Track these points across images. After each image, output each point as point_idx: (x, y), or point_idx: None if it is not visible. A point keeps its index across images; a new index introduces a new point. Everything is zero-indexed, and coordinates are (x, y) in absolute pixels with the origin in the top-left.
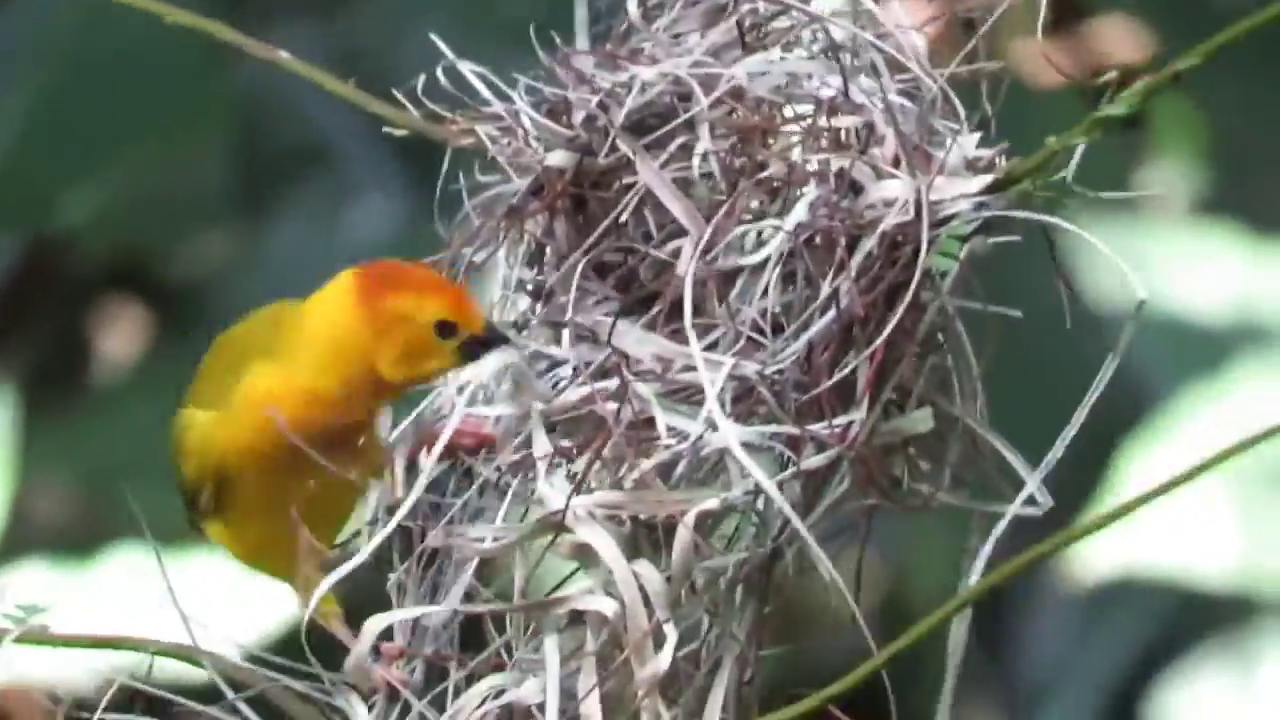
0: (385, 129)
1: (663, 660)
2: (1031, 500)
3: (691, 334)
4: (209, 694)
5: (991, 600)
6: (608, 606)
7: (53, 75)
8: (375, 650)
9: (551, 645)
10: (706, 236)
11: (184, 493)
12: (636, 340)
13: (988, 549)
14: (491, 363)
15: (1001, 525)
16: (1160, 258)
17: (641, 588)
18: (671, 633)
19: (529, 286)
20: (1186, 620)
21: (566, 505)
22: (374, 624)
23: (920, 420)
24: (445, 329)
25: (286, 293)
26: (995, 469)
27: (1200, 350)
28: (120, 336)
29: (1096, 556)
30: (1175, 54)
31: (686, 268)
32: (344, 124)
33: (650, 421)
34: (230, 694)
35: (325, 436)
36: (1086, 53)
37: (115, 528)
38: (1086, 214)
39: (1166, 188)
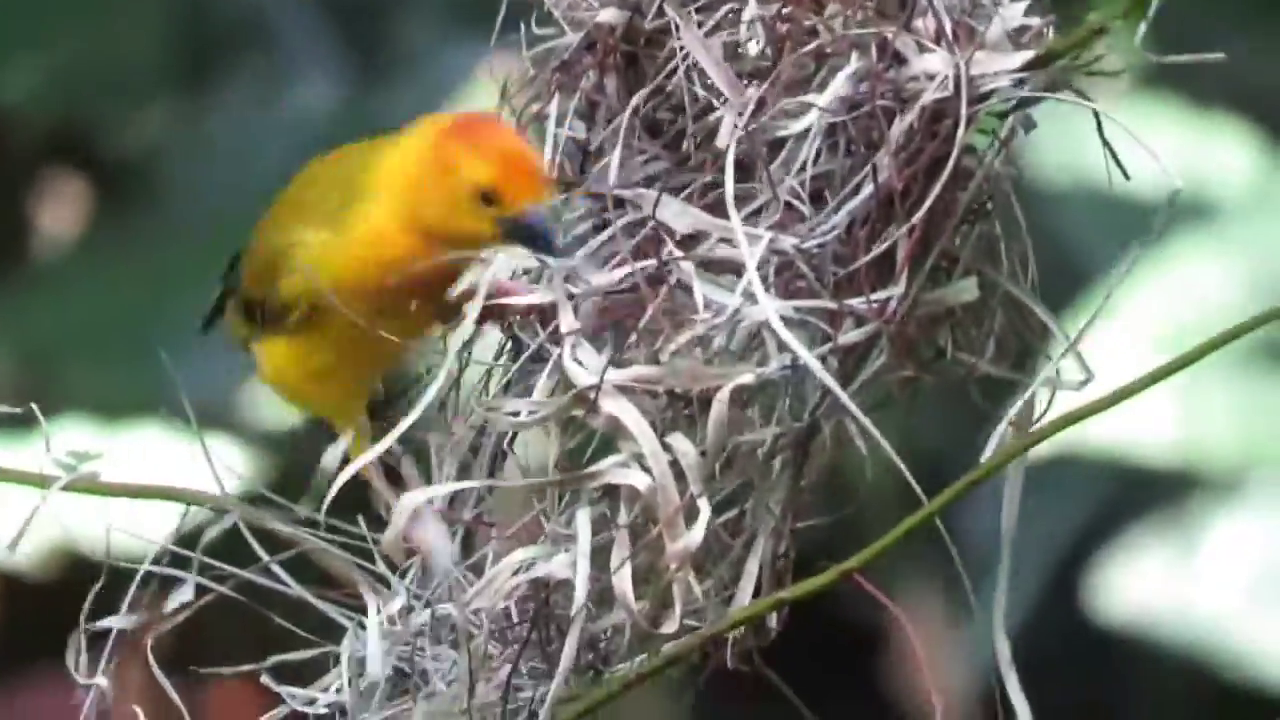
0: None
1: (695, 535)
2: (1071, 372)
3: (732, 210)
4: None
5: (933, 477)
6: (640, 480)
7: None
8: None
9: (584, 519)
10: (750, 108)
11: (258, 304)
12: (676, 213)
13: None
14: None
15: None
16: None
17: (675, 461)
18: (705, 507)
19: (578, 143)
20: (1127, 495)
21: (600, 380)
22: (409, 500)
23: (965, 289)
24: (486, 197)
25: (228, 168)
26: (1037, 340)
27: (1140, 225)
28: (60, 211)
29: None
30: None
31: (728, 139)
32: None
33: (688, 295)
34: (264, 554)
35: (424, 281)
36: None
37: (57, 402)
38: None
39: (1107, 59)
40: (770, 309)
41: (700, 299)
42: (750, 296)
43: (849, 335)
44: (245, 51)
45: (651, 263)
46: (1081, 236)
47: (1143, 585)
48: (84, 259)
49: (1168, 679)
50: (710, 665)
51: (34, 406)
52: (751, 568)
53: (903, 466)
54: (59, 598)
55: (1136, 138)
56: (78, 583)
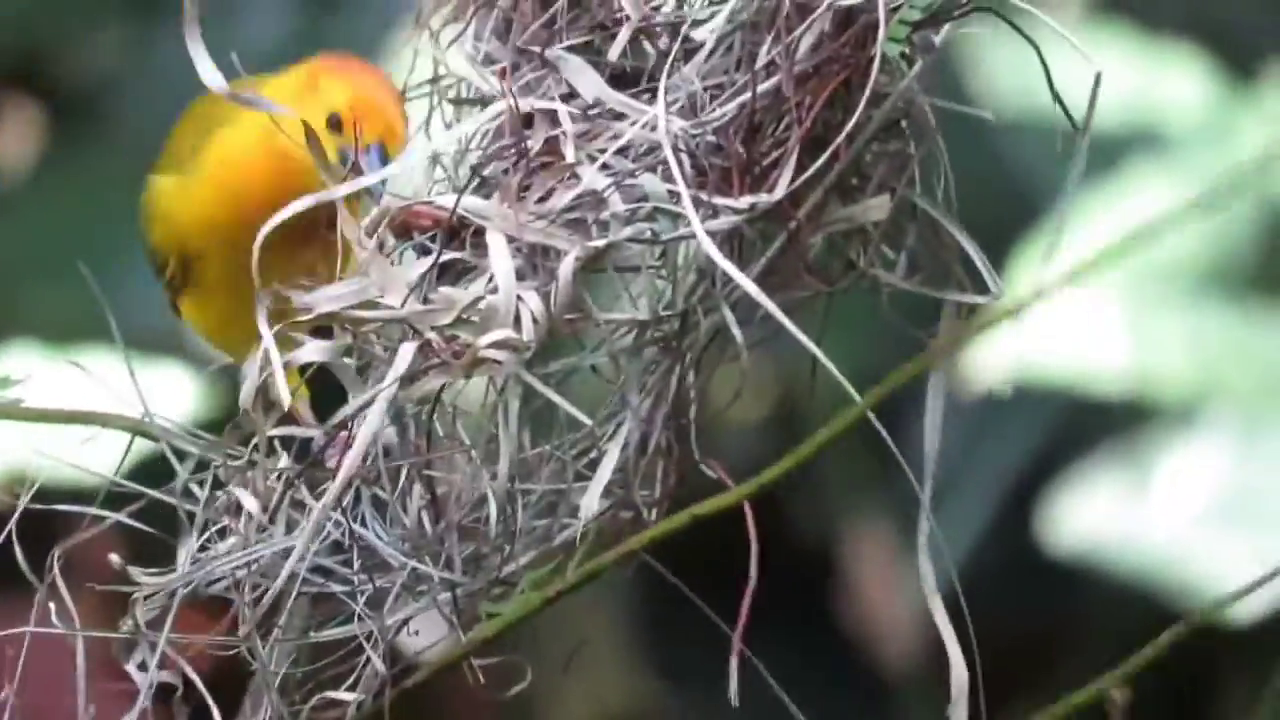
0: None
1: (500, 334)
2: (985, 289)
3: (661, 95)
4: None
5: (884, 406)
6: (496, 301)
7: None
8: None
9: (406, 350)
10: (641, 18)
11: (152, 265)
12: (584, 77)
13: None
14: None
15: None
16: (1051, 59)
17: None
18: (529, 334)
19: (494, 62)
20: (1079, 425)
21: (456, 205)
22: (266, 344)
23: (875, 207)
24: (334, 121)
25: (182, 94)
26: (953, 259)
27: (1092, 153)
28: (13, 138)
29: (988, 362)
30: None
31: (615, 50)
32: None
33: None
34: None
35: (285, 233)
36: None
37: (7, 326)
38: (978, 17)
39: None
40: (655, 182)
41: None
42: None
43: (714, 223)
44: None
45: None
46: (1033, 164)
47: (1094, 514)
48: (36, 185)
49: (1118, 607)
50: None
51: None
52: (611, 455)
53: (831, 366)
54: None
55: (1073, 42)
56: (33, 513)
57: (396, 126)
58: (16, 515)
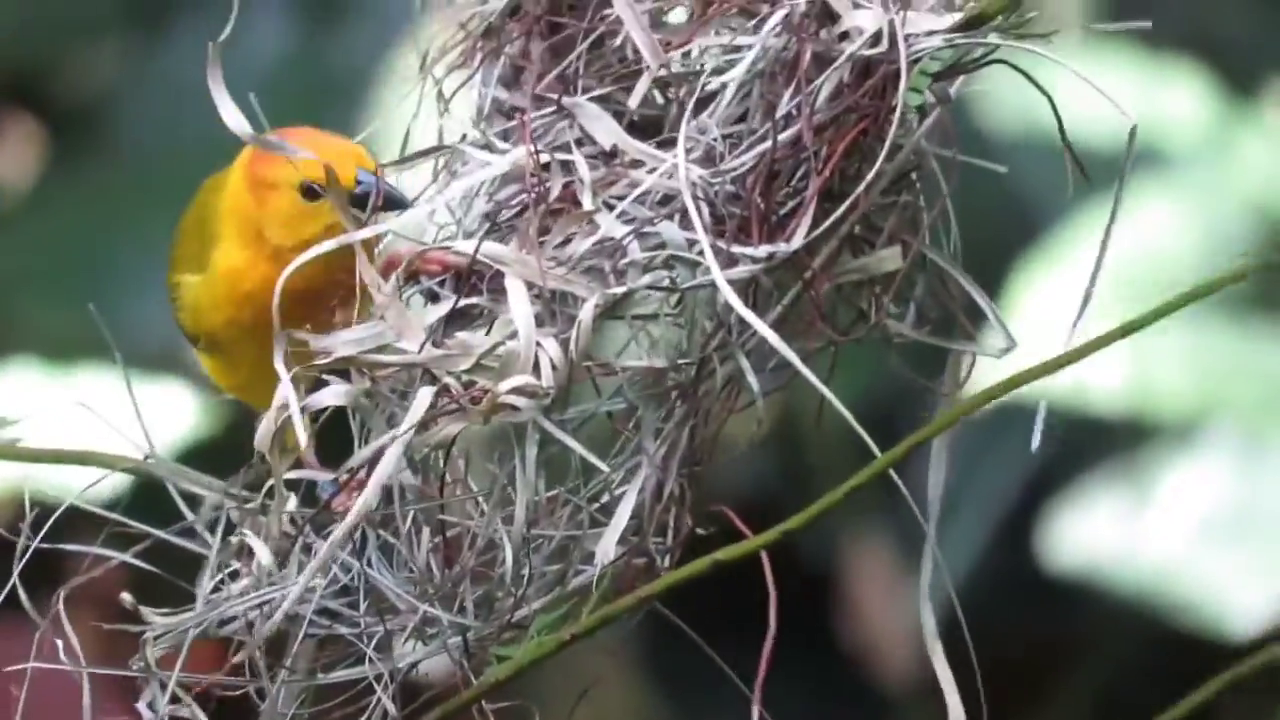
0: None
1: (519, 380)
2: (995, 340)
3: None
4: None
5: (884, 426)
6: (515, 346)
7: None
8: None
9: (425, 395)
10: (660, 66)
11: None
12: (600, 124)
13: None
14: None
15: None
16: (1054, 78)
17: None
18: (549, 380)
19: (504, 108)
20: (1079, 443)
21: (476, 250)
22: (285, 386)
23: (887, 259)
24: (309, 192)
25: (181, 110)
26: (961, 308)
27: (1092, 170)
28: (12, 154)
29: (987, 381)
30: None
31: (635, 98)
32: None
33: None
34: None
35: (303, 297)
36: None
37: (9, 344)
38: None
39: (1058, 7)
40: (674, 229)
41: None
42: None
43: (733, 271)
44: None
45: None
46: (1035, 186)
47: (1094, 531)
48: (36, 201)
49: (1119, 624)
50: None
51: None
52: (627, 501)
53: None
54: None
55: (1087, 80)
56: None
57: (362, 157)
58: (23, 552)
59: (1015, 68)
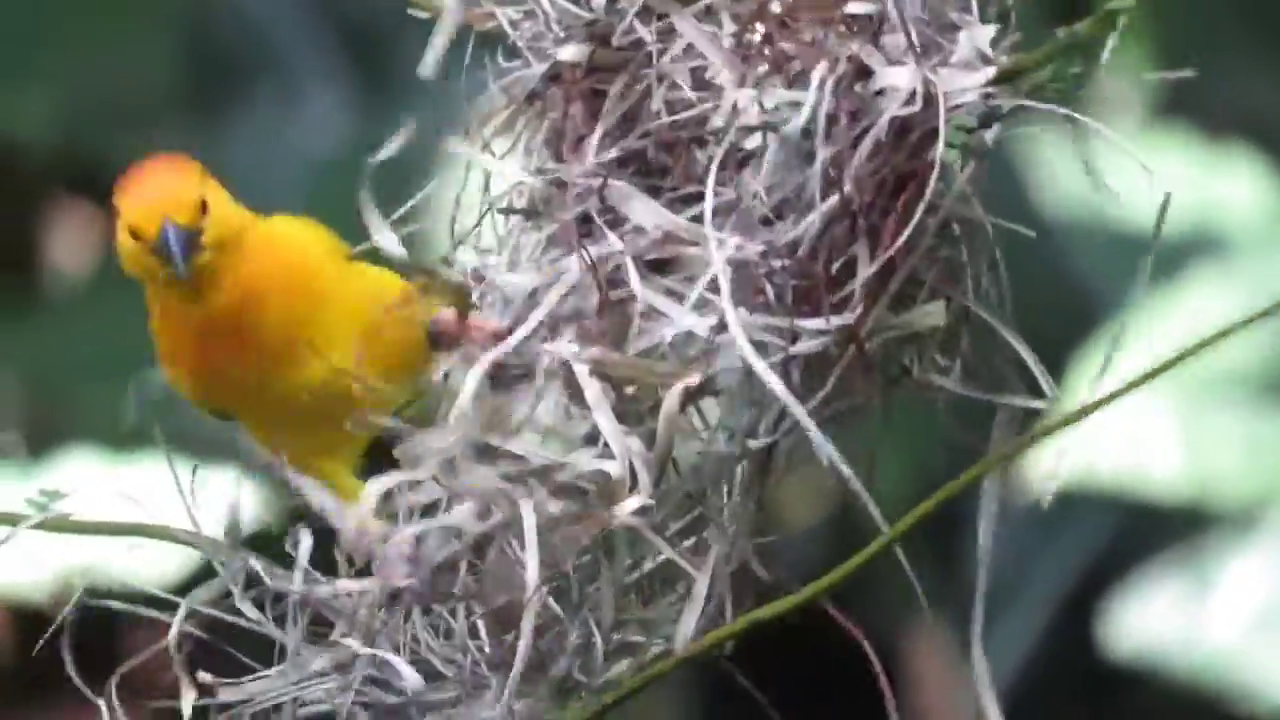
0: (410, 9)
1: (632, 503)
2: (1040, 393)
3: (709, 211)
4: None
5: (944, 512)
6: (612, 467)
7: None
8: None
9: (528, 509)
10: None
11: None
12: (638, 204)
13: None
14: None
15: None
16: (1112, 163)
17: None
18: (648, 496)
19: (546, 171)
20: (1137, 532)
21: (579, 354)
22: (374, 486)
23: (931, 314)
24: (135, 234)
25: (239, 193)
26: (1008, 363)
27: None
28: (71, 240)
29: (1045, 468)
30: None
31: (727, 107)
32: (292, 21)
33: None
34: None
35: (249, 354)
36: None
37: (66, 431)
38: (1039, 120)
39: (1118, 92)
40: (734, 322)
41: (646, 301)
42: (707, 304)
43: (799, 347)
44: (253, 79)
45: (609, 247)
46: (1092, 267)
47: (1153, 619)
48: (94, 288)
49: (1177, 711)
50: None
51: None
52: (703, 582)
53: (859, 486)
54: (73, 631)
55: (1126, 149)
56: (94, 617)
57: (179, 204)
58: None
59: (1069, 118)
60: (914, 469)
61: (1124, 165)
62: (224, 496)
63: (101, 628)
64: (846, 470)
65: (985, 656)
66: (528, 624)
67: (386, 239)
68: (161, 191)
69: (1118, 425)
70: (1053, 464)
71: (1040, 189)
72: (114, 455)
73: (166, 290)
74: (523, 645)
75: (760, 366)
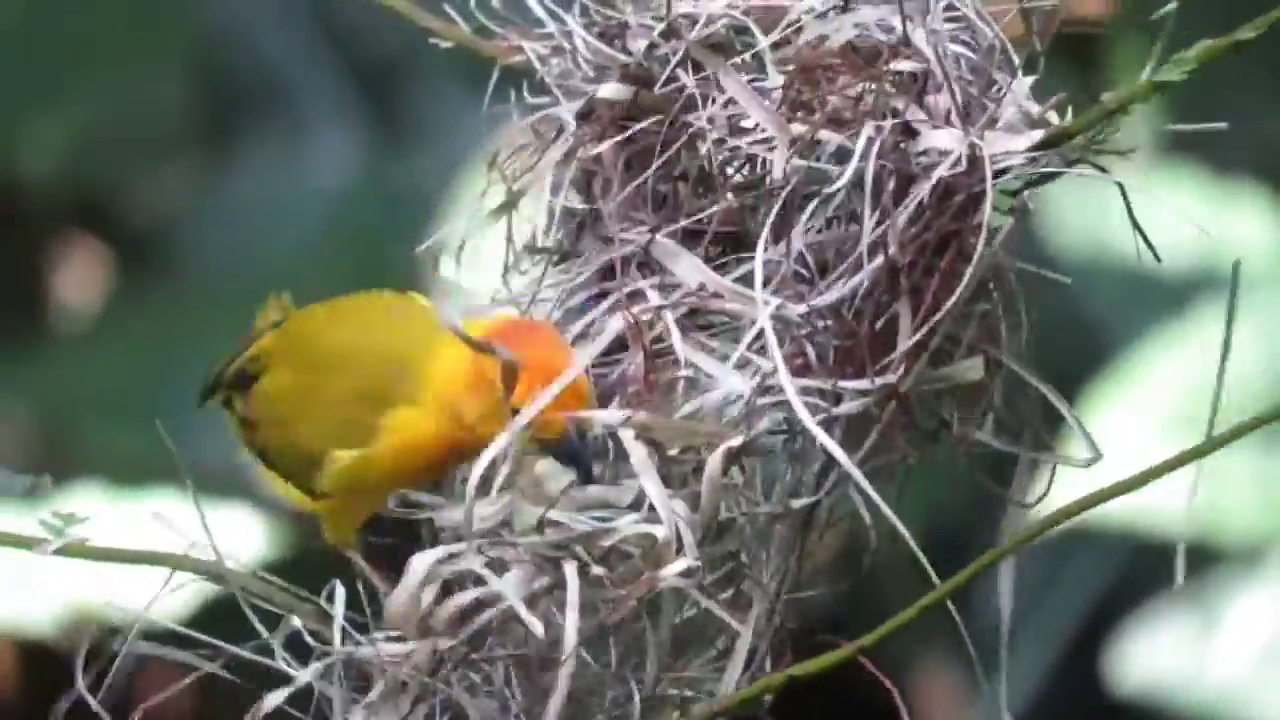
0: (432, 40)
1: (679, 565)
2: (1079, 449)
3: (759, 270)
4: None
5: (952, 551)
6: (659, 531)
7: (7, 11)
8: None
9: (571, 572)
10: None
11: (296, 480)
12: (684, 261)
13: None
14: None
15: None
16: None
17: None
18: (694, 559)
19: (575, 211)
20: (1145, 568)
21: (626, 421)
22: (420, 561)
23: (970, 369)
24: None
25: (248, 232)
26: (1039, 418)
27: (1162, 295)
28: (80, 277)
29: (1053, 506)
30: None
31: (780, 171)
32: (303, 58)
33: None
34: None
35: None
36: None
37: (75, 467)
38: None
39: (1126, 130)
40: (787, 381)
41: (689, 359)
42: (747, 364)
43: (844, 408)
44: (263, 116)
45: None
46: (1105, 309)
47: (1161, 655)
48: (104, 324)
49: None
50: None
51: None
52: (745, 639)
53: (911, 541)
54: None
55: (1161, 202)
56: (96, 648)
57: (581, 404)
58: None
59: (1100, 172)
60: (927, 511)
61: (1133, 202)
62: (235, 531)
63: (111, 661)
64: (902, 528)
65: (992, 693)
66: (562, 685)
67: (455, 323)
68: (564, 381)
69: (1125, 461)
70: (1059, 500)
71: (1053, 229)
72: (121, 490)
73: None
74: (554, 704)
75: (815, 428)
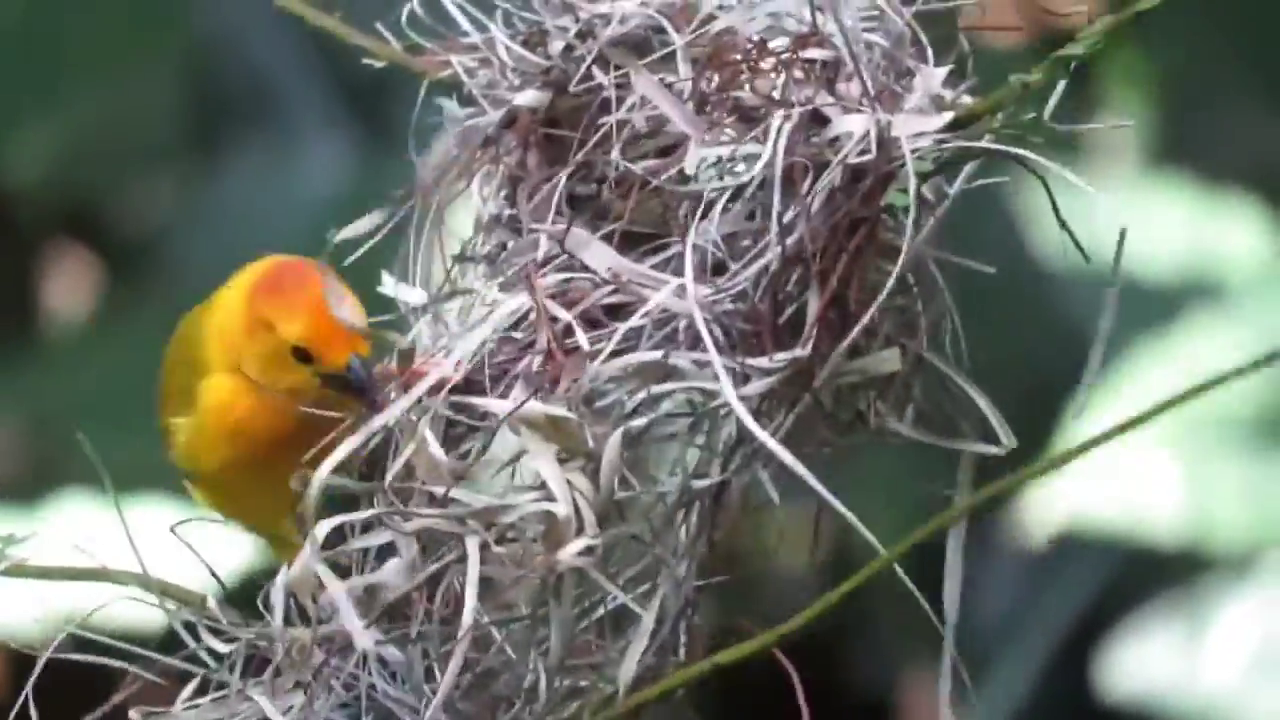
0: (365, 60)
1: (579, 544)
2: (995, 440)
3: (690, 262)
4: (164, 644)
5: (940, 555)
6: (558, 509)
7: None
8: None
9: (473, 545)
10: (702, 138)
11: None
12: (595, 249)
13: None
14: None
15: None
16: (1109, 209)
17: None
18: (594, 529)
19: (502, 219)
20: (1135, 575)
21: (518, 406)
22: (321, 529)
23: (887, 360)
24: (301, 354)
25: (238, 241)
26: (960, 412)
27: (1150, 304)
28: (69, 284)
29: (1043, 512)
30: None
31: (692, 164)
32: (293, 67)
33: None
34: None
35: (284, 437)
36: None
37: (64, 476)
38: (1013, 168)
39: (1116, 138)
40: (719, 363)
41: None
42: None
43: (749, 388)
44: (253, 125)
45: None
46: (1093, 317)
47: (1150, 663)
48: (93, 332)
49: None
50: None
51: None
52: (647, 623)
53: (852, 518)
54: (70, 675)
55: (1083, 184)
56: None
57: (357, 342)
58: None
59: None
60: (908, 499)
61: (1121, 209)
62: (226, 539)
63: (89, 669)
64: (843, 509)
65: (981, 699)
66: (455, 663)
67: (347, 311)
68: (335, 325)
69: (1116, 469)
70: (1050, 508)
71: (1038, 236)
72: (107, 499)
73: (290, 393)
74: (445, 683)
75: (735, 400)
